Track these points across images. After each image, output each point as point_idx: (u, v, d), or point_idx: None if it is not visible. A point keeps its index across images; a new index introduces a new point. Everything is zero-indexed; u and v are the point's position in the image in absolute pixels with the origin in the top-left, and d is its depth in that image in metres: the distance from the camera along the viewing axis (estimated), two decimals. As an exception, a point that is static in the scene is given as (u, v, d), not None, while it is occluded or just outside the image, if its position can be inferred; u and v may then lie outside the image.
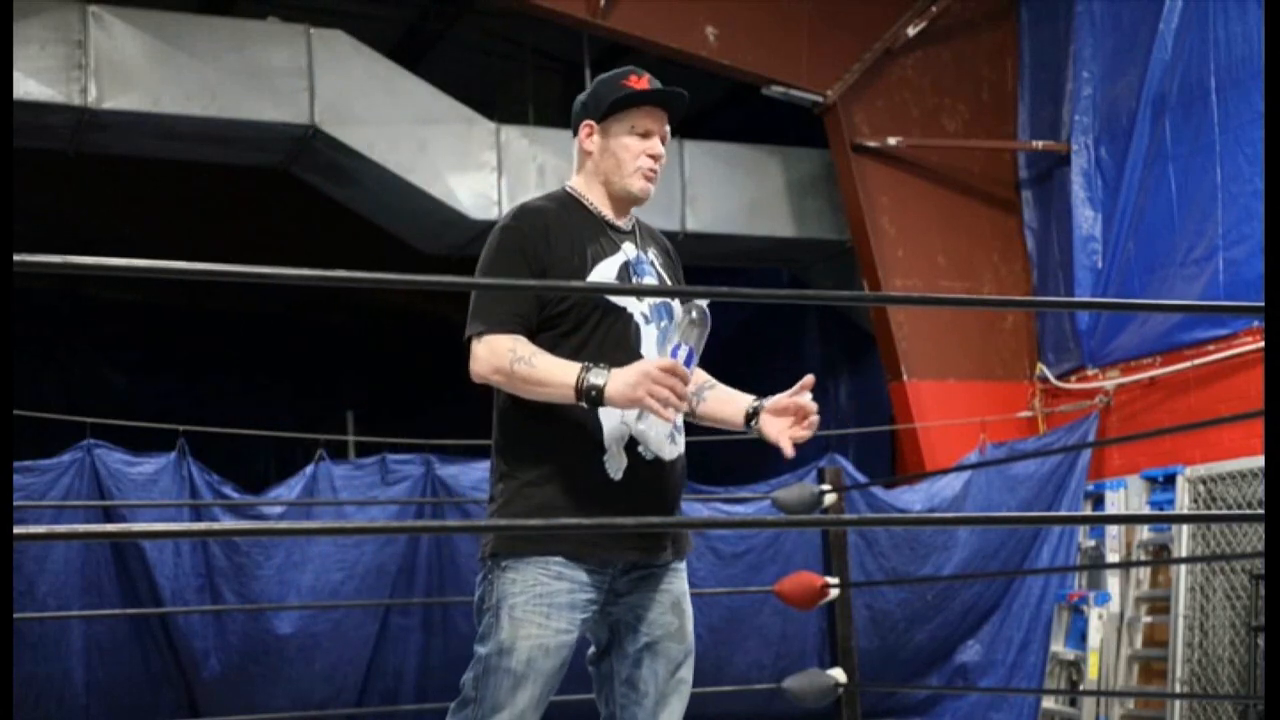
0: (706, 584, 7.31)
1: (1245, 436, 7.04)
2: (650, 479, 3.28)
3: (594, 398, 3.11)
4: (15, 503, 6.03)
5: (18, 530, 1.90)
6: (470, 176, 8.52)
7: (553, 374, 3.15)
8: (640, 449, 3.26)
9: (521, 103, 10.14)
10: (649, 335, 3.31)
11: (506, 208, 8.57)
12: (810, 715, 6.18)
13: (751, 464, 9.51)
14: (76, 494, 6.49)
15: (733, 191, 9.13)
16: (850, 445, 9.44)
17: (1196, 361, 7.61)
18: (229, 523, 6.73)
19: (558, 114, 10.34)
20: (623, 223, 3.42)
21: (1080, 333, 8.31)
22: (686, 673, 3.38)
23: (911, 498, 7.84)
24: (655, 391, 3.06)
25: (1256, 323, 7.00)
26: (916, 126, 8.81)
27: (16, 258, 1.90)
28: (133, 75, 7.74)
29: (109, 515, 6.55)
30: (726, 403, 3.44)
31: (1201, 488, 7.45)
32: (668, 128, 3.42)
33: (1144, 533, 7.76)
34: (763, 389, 3.47)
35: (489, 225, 8.60)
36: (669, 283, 3.44)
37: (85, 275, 11.12)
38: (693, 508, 7.42)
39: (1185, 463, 7.55)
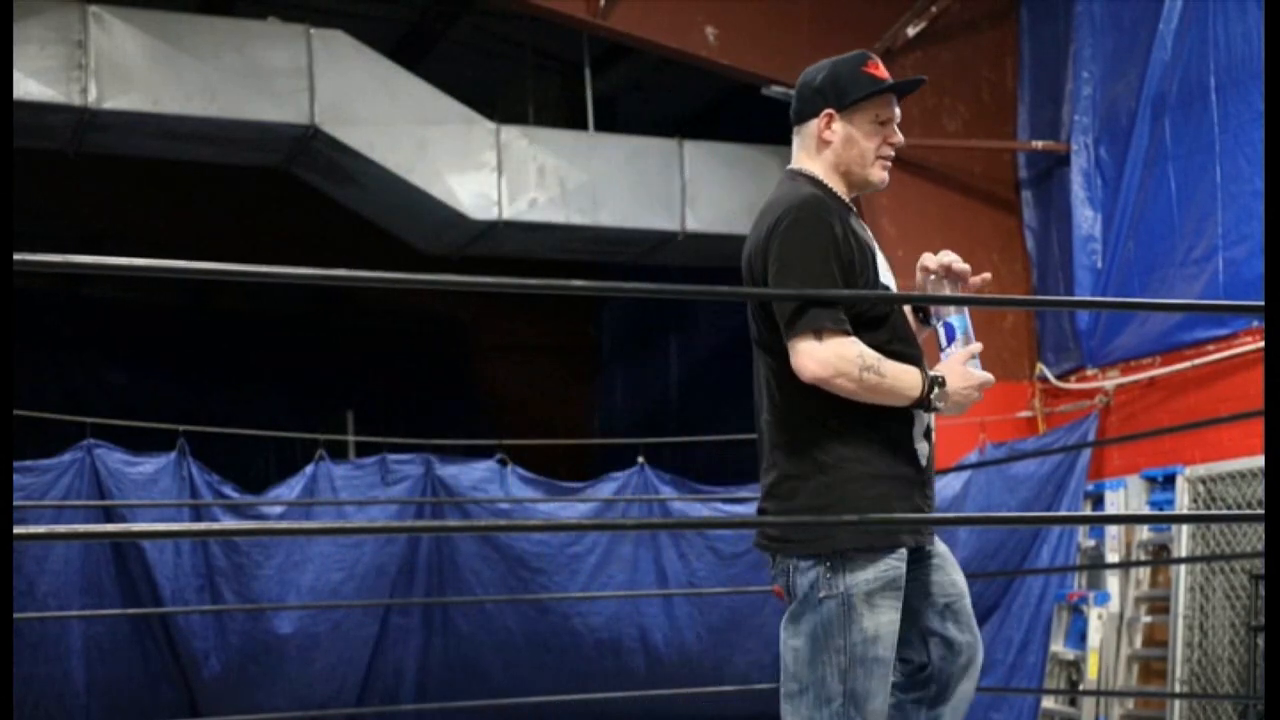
0: (706, 584, 7.32)
1: (1245, 436, 7.04)
2: (931, 459, 3.42)
3: (931, 405, 3.30)
4: (15, 503, 6.03)
5: (18, 530, 1.90)
6: (470, 176, 8.52)
7: (900, 383, 3.29)
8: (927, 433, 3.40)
9: (521, 103, 10.14)
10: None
11: (506, 207, 8.63)
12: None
13: (752, 464, 9.51)
14: (76, 494, 6.49)
15: (733, 191, 9.13)
16: (850, 445, 9.42)
17: (1196, 361, 7.60)
18: (229, 523, 6.74)
19: (558, 114, 10.36)
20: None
21: (1080, 333, 8.30)
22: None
23: (911, 498, 7.83)
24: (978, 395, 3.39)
25: (1256, 323, 6.99)
26: (916, 126, 8.79)
27: (16, 257, 1.90)
28: (133, 75, 7.74)
29: (109, 515, 6.55)
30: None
31: (1201, 488, 7.44)
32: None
33: (1144, 533, 7.76)
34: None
35: (489, 225, 8.76)
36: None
37: (85, 274, 11.16)
38: (692, 508, 7.42)
39: (1185, 463, 7.55)
